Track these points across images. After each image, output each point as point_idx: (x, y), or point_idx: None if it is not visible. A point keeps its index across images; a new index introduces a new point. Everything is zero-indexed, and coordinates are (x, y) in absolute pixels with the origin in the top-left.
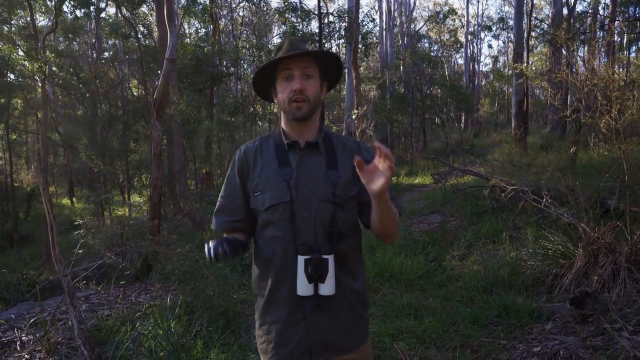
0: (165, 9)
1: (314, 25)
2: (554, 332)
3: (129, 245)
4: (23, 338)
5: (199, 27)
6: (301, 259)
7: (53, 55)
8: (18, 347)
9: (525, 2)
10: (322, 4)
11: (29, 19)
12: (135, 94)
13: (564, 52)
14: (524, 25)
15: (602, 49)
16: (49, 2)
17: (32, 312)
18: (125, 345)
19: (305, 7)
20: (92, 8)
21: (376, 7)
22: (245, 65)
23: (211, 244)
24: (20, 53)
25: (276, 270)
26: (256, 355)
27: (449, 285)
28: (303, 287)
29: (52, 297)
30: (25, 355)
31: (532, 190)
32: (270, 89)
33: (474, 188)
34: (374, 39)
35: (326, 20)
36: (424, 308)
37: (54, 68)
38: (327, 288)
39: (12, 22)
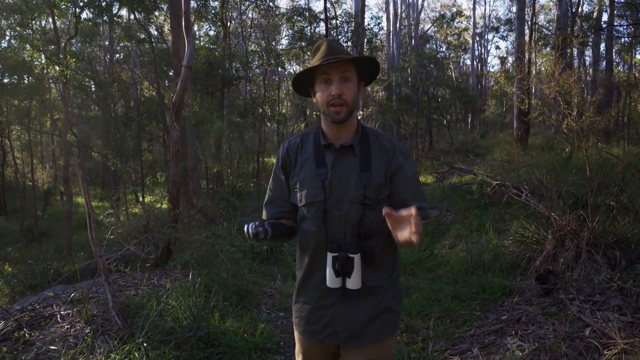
0: (183, 21)
1: (323, 27)
2: (520, 304)
3: (152, 232)
4: (62, 312)
5: (209, 27)
6: (329, 256)
7: (74, 60)
8: (59, 319)
9: (530, 4)
10: (329, 6)
11: (44, 22)
12: (146, 94)
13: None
14: (526, 30)
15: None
16: (69, 11)
17: (66, 292)
18: (152, 316)
19: (313, 10)
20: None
21: (384, 8)
22: (255, 66)
23: (251, 223)
24: (42, 57)
25: (310, 259)
26: (266, 324)
27: (437, 269)
28: (332, 280)
29: (82, 281)
30: (66, 325)
31: (513, 185)
32: (309, 88)
33: (468, 185)
34: (379, 42)
35: (334, 22)
36: (413, 287)
37: (69, 71)
38: (353, 283)
39: (32, 25)
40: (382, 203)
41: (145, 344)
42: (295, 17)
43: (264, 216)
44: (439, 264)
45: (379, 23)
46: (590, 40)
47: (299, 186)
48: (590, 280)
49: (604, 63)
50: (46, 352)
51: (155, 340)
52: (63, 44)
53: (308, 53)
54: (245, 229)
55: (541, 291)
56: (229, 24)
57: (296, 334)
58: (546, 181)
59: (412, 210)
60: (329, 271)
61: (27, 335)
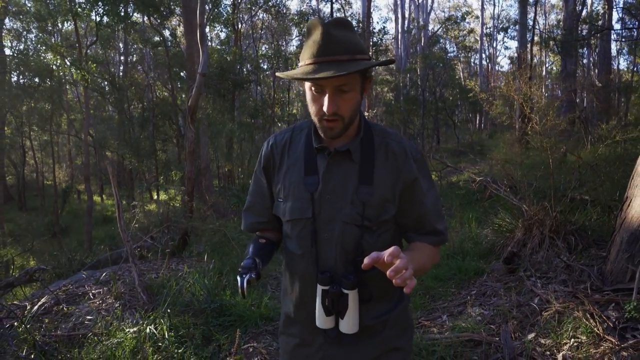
0: (198, 33)
1: None
2: (488, 281)
3: (171, 222)
4: (94, 291)
5: (220, 29)
6: (319, 289)
7: (95, 65)
8: (91, 296)
9: (534, 4)
10: (339, 7)
11: (61, 26)
12: (159, 96)
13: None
14: (528, 34)
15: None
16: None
17: (94, 276)
18: (173, 292)
19: (323, 12)
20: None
21: (393, 9)
22: (266, 68)
23: (239, 278)
24: (65, 62)
25: (297, 289)
26: (270, 301)
27: None
28: (322, 320)
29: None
30: (98, 301)
31: (492, 181)
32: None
33: (460, 182)
34: (385, 45)
35: None
36: None
37: (90, 75)
38: (348, 326)
39: (52, 30)
40: (386, 224)
41: (169, 310)
42: (302, 23)
43: (242, 226)
44: None
45: (384, 27)
46: (598, 43)
47: (283, 196)
48: (551, 262)
49: (614, 64)
50: (83, 322)
51: (177, 310)
52: (85, 50)
53: None
54: (239, 283)
55: (506, 271)
56: (240, 26)
57: None
58: (519, 177)
59: (392, 260)
60: (318, 308)
61: (65, 309)
